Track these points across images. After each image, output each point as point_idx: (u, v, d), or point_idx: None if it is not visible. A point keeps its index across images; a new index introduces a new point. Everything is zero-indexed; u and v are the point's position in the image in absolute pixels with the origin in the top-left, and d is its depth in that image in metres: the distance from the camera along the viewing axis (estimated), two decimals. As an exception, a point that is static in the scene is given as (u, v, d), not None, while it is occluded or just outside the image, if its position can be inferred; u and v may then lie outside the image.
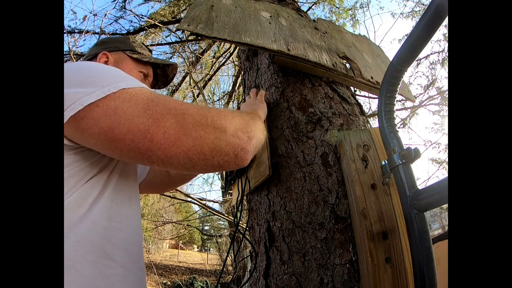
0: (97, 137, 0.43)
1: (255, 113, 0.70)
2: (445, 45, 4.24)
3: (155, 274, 7.22)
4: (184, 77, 4.92)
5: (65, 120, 0.41)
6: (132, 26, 4.39)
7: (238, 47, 2.03)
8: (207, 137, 0.46)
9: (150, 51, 0.87)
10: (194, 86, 4.78)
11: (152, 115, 0.44)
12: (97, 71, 0.48)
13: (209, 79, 5.14)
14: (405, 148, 0.51)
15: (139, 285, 0.50)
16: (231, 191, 1.02)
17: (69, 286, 0.38)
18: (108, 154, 0.47)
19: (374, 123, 3.97)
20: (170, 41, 4.66)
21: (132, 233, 0.52)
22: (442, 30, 4.09)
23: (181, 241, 18.37)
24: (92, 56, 0.75)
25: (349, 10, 4.66)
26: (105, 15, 4.06)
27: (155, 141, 0.43)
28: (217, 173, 7.00)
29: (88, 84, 0.44)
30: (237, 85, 5.27)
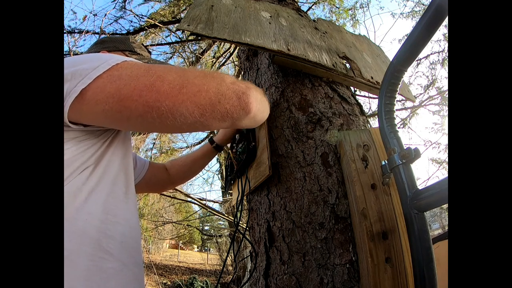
0: (105, 101, 0.45)
1: None
2: (445, 45, 4.24)
3: (155, 274, 7.22)
4: (184, 77, 4.91)
5: (76, 94, 0.44)
6: (132, 26, 4.39)
7: (238, 47, 2.03)
8: (209, 83, 0.50)
9: (150, 52, 0.87)
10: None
11: (155, 73, 0.47)
12: (98, 55, 0.51)
13: (209, 79, 5.13)
14: (405, 148, 0.51)
15: (136, 281, 0.50)
16: (231, 191, 1.02)
17: (64, 277, 0.38)
18: (116, 119, 0.48)
19: (374, 123, 3.96)
20: (170, 41, 4.66)
21: (129, 228, 0.52)
22: (442, 30, 4.09)
23: (181, 241, 18.37)
24: None
25: (349, 10, 4.66)
26: (105, 15, 4.06)
27: (162, 91, 0.46)
28: (217, 172, 7.00)
29: (93, 61, 0.47)
30: (237, 85, 5.25)
